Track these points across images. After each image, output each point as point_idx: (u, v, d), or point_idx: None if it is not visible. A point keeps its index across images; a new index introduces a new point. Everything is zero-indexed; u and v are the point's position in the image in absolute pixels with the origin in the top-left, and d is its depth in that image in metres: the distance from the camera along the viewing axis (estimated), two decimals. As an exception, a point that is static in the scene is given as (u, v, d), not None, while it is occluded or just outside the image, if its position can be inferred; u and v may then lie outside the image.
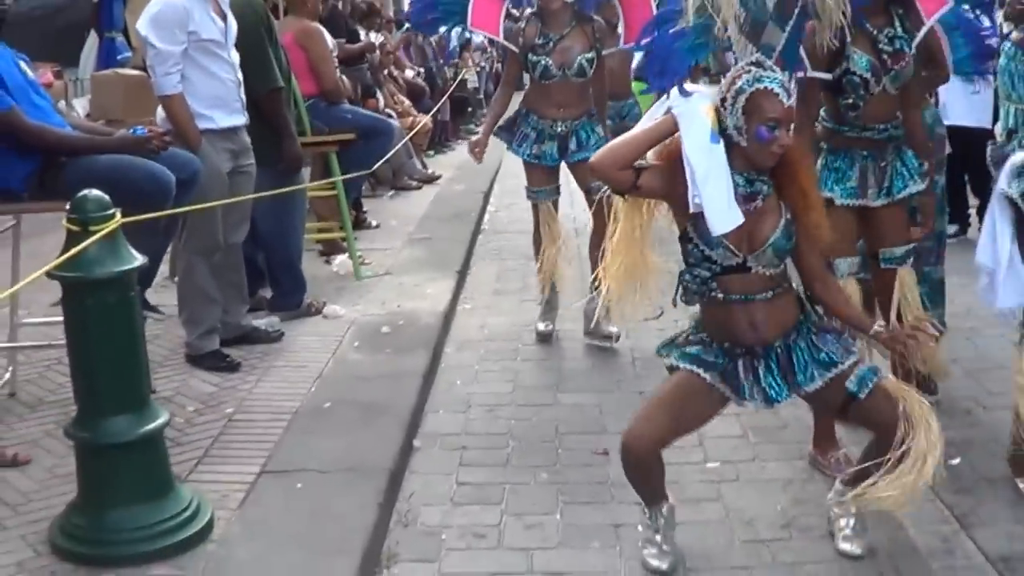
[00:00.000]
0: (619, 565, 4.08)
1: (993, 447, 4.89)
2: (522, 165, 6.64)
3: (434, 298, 7.41)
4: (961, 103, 8.64)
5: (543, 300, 6.85)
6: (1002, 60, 9.31)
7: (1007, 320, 4.70)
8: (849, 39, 4.63)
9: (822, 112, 4.84)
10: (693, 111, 3.75)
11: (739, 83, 3.70)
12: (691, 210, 3.71)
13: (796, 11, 3.99)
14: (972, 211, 9.10)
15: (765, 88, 3.66)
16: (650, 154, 3.87)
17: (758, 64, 3.76)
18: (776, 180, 3.83)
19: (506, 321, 7.22)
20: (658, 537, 4.03)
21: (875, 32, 4.66)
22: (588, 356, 6.48)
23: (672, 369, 3.99)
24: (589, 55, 6.29)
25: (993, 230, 4.65)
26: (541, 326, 6.80)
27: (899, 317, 4.89)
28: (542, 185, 6.57)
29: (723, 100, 3.73)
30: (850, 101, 4.69)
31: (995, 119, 8.71)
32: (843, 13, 4.32)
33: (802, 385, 3.85)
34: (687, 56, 3.95)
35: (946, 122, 8.67)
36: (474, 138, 6.71)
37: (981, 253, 4.69)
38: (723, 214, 3.68)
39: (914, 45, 4.72)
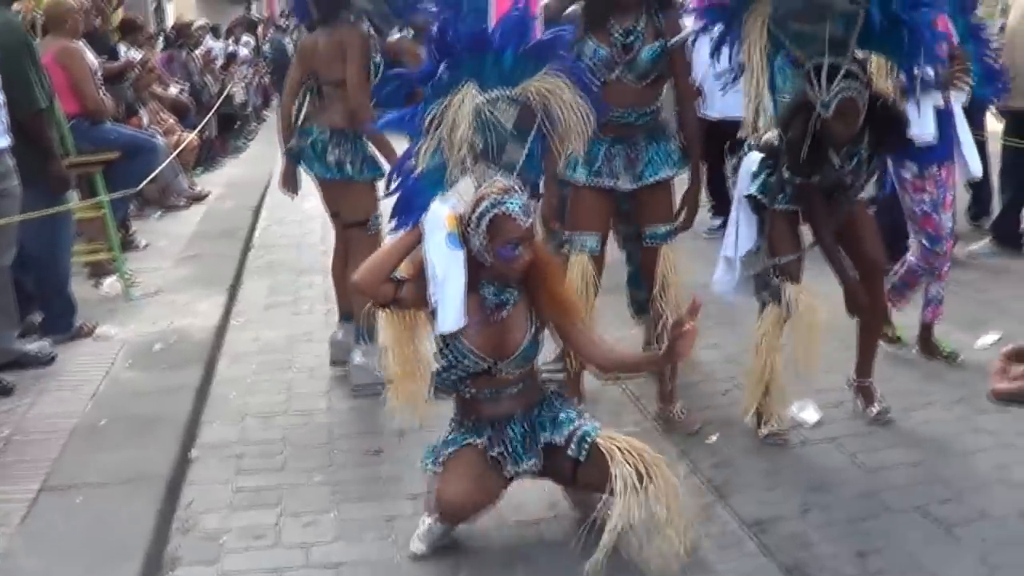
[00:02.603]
0: (393, 553, 4.40)
1: (748, 424, 5.42)
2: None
3: (206, 314, 7.59)
4: (715, 96, 9.20)
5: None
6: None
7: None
8: (586, 27, 5.11)
9: None
10: (435, 218, 4.09)
11: (481, 207, 4.02)
12: (430, 307, 4.09)
13: (535, 125, 4.32)
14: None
15: (505, 212, 3.99)
16: (404, 266, 4.21)
17: (501, 184, 4.07)
18: (527, 284, 4.20)
19: (279, 334, 7.44)
20: (434, 526, 4.35)
21: (614, 26, 5.11)
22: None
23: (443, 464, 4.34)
24: None
25: (736, 228, 5.25)
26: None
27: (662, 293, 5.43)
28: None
29: (468, 222, 4.07)
30: None
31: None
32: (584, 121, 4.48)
33: (549, 438, 4.22)
34: (429, 193, 4.21)
35: (710, 114, 9.34)
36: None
37: (727, 247, 5.29)
38: (452, 314, 4.05)
39: (671, 43, 5.18)
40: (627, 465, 4.00)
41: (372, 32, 6.12)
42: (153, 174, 9.32)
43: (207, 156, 15.19)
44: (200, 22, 19.28)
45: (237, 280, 8.92)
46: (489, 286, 4.14)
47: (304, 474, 5.18)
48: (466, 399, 4.34)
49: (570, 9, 5.32)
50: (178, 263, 9.32)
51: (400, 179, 4.31)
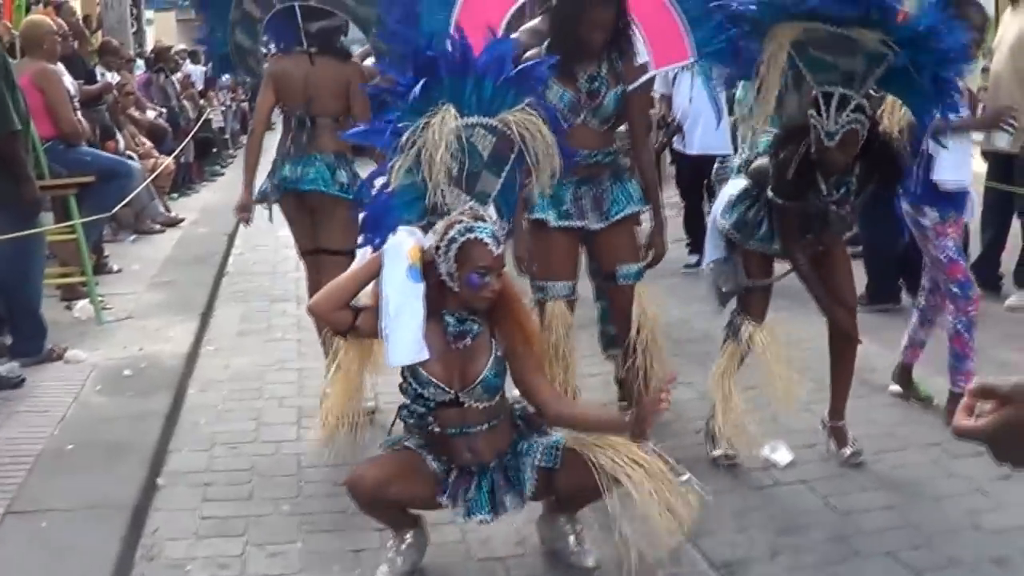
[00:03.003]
0: (358, 586, 4.39)
1: (720, 461, 5.43)
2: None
3: (177, 340, 7.57)
4: (700, 132, 9.30)
5: None
6: (739, 91, 10.11)
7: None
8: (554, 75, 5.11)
9: None
10: (397, 249, 4.05)
11: (451, 232, 3.99)
12: (377, 337, 4.07)
13: (512, 157, 4.33)
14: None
15: (476, 238, 3.96)
16: (366, 295, 4.19)
17: (472, 211, 4.08)
18: (492, 318, 4.18)
19: (250, 361, 7.43)
20: (397, 559, 4.35)
21: (579, 72, 5.15)
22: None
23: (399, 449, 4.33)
24: None
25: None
26: None
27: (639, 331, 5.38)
28: None
29: (437, 248, 4.02)
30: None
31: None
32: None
33: (525, 491, 4.21)
34: (401, 213, 4.21)
35: (689, 151, 9.42)
36: None
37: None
38: (404, 347, 4.00)
39: (631, 88, 5.23)
40: (609, 455, 4.07)
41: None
42: (128, 198, 9.32)
43: (183, 181, 15.19)
44: (180, 46, 19.33)
45: (210, 306, 8.91)
46: (451, 315, 4.10)
47: (271, 504, 5.15)
48: (434, 437, 4.28)
49: (531, 52, 5.28)
50: (151, 288, 9.30)
51: (372, 195, 4.29)
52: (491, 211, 4.24)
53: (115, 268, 9.93)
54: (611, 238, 5.35)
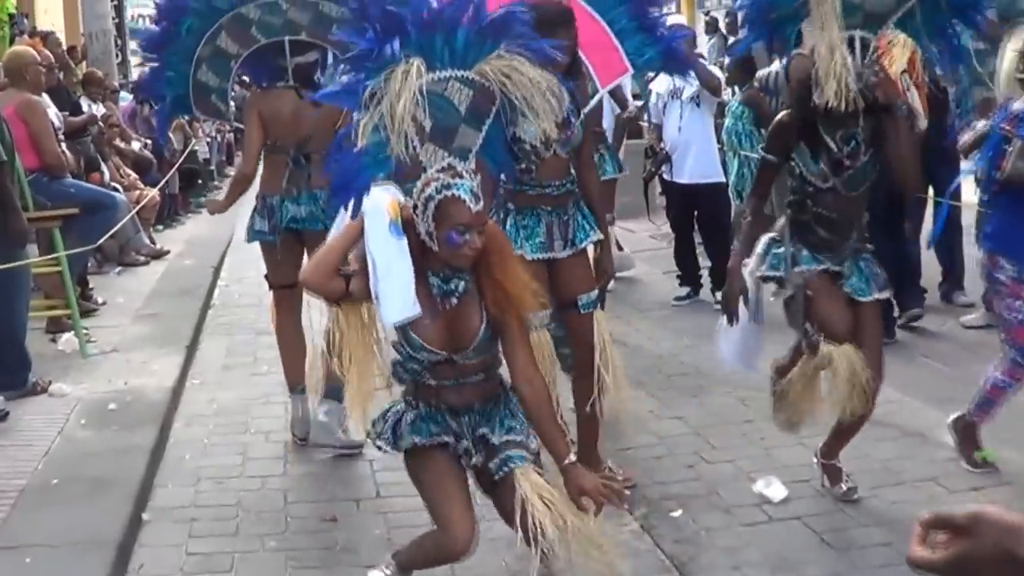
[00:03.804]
0: (346, 624, 4.40)
1: (714, 498, 5.44)
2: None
3: (162, 374, 7.56)
4: (692, 161, 9.35)
5: None
6: (728, 121, 10.21)
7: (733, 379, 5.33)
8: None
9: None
10: (376, 206, 3.98)
11: (428, 191, 3.90)
12: (372, 300, 3.98)
13: (492, 110, 4.26)
14: (704, 272, 9.65)
15: (453, 195, 3.86)
16: (352, 260, 4.09)
17: (450, 169, 4.00)
18: (477, 273, 4.06)
19: (236, 395, 7.42)
20: None
21: None
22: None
23: (409, 452, 4.17)
24: None
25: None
26: None
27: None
28: None
29: (415, 207, 3.94)
30: (523, 167, 5.15)
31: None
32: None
33: (488, 434, 4.08)
34: (369, 172, 4.15)
35: (679, 180, 9.48)
36: None
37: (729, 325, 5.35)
38: (396, 304, 3.92)
39: (583, 114, 5.28)
40: (541, 510, 3.91)
41: None
42: (113, 230, 9.32)
43: (168, 213, 15.19)
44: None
45: (195, 339, 8.89)
46: (436, 276, 4.02)
47: (257, 540, 5.14)
48: (427, 389, 4.15)
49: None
50: (136, 320, 9.29)
51: (339, 155, 4.25)
52: (470, 167, 4.14)
53: (100, 301, 9.88)
54: (572, 266, 5.37)
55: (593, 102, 5.36)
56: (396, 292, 3.92)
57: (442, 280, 4.01)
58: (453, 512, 4.03)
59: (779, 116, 5.13)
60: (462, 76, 4.19)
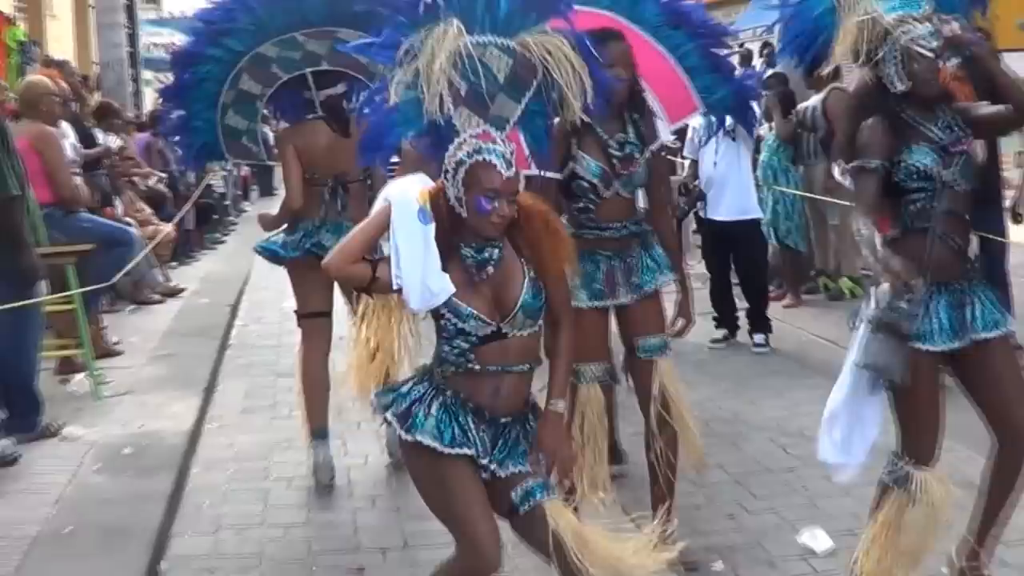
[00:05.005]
0: None
1: (757, 551, 5.40)
2: None
3: (179, 417, 7.56)
4: (728, 197, 9.34)
5: None
6: (764, 154, 10.20)
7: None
8: (576, 142, 5.07)
9: (562, 219, 4.97)
10: (404, 194, 3.96)
11: (459, 154, 3.89)
12: (393, 289, 3.92)
13: (533, 84, 4.25)
14: (741, 314, 9.68)
15: (484, 160, 3.85)
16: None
17: (485, 134, 3.95)
18: (513, 241, 4.02)
19: (256, 439, 7.41)
20: None
21: (606, 137, 5.12)
22: (340, 474, 6.63)
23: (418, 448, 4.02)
24: None
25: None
26: None
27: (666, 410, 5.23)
28: None
29: (445, 172, 3.93)
30: (581, 205, 5.13)
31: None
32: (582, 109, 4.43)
33: (501, 465, 3.99)
34: (400, 129, 4.19)
35: (715, 217, 9.49)
36: None
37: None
38: (424, 288, 3.89)
39: (649, 150, 5.19)
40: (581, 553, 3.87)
41: None
42: (127, 267, 9.34)
43: (184, 249, 15.23)
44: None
45: (212, 381, 8.90)
46: (468, 247, 3.97)
47: (282, 592, 5.12)
48: (467, 376, 4.03)
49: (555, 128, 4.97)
50: (151, 361, 9.30)
51: (371, 112, 4.24)
52: (503, 134, 4.09)
53: (114, 340, 9.84)
54: (637, 310, 5.30)
55: (661, 139, 5.31)
56: (423, 276, 3.89)
57: (475, 251, 3.97)
58: (479, 528, 3.93)
59: (867, 122, 4.69)
60: (502, 44, 4.21)
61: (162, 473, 6.43)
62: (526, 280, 4.01)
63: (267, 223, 6.55)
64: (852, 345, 4.48)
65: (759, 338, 9.38)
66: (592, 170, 5.09)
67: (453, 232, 3.95)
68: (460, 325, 3.98)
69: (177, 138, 7.03)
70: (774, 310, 9.84)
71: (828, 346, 8.64)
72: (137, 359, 9.37)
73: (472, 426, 3.98)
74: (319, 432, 6.42)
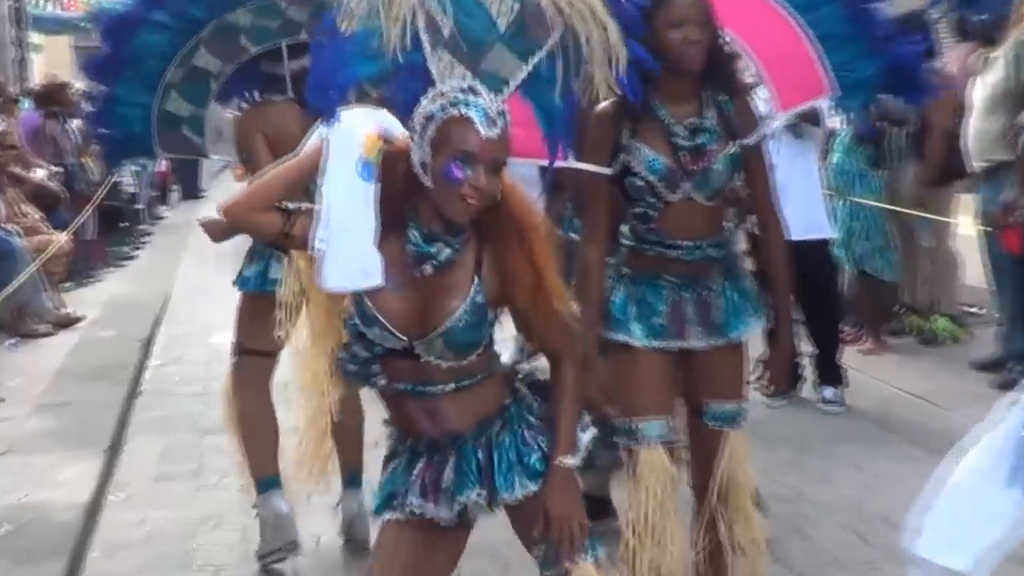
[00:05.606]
0: None
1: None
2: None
3: (73, 485, 7.55)
4: (789, 211, 9.28)
5: None
6: (836, 155, 10.23)
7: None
8: (630, 128, 4.78)
9: (622, 227, 4.92)
10: (347, 135, 3.83)
11: (431, 108, 3.78)
12: (311, 253, 3.79)
13: (547, 43, 4.22)
14: (806, 361, 9.58)
15: (460, 114, 3.73)
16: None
17: (470, 91, 3.82)
18: (483, 241, 3.91)
19: (175, 515, 7.38)
20: None
21: (672, 122, 4.80)
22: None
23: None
24: None
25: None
26: None
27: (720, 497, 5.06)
28: None
29: (412, 130, 3.82)
30: (639, 211, 4.83)
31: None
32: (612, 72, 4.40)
33: (500, 492, 3.96)
34: (353, 69, 4.11)
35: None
36: None
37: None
38: (345, 266, 3.78)
39: (739, 144, 4.85)
40: None
41: None
42: (7, 289, 9.35)
43: (82, 266, 15.21)
44: (78, 84, 19.47)
45: (118, 439, 8.89)
46: (416, 228, 3.86)
47: None
48: (387, 396, 4.05)
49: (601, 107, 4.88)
50: (37, 411, 9.29)
51: (320, 44, 4.21)
52: (498, 97, 3.98)
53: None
54: (712, 362, 5.01)
55: (763, 130, 4.97)
56: (348, 250, 3.78)
57: (423, 238, 3.86)
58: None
59: None
60: None
61: (50, 560, 6.41)
62: (465, 304, 3.88)
63: (216, 232, 6.49)
64: (1004, 409, 4.02)
65: (829, 392, 9.34)
66: (651, 164, 4.78)
67: (407, 200, 3.87)
68: (361, 328, 3.90)
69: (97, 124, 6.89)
70: (848, 357, 9.79)
71: (917, 403, 8.66)
72: (19, 409, 9.36)
73: (427, 463, 4.02)
74: (266, 482, 6.43)
